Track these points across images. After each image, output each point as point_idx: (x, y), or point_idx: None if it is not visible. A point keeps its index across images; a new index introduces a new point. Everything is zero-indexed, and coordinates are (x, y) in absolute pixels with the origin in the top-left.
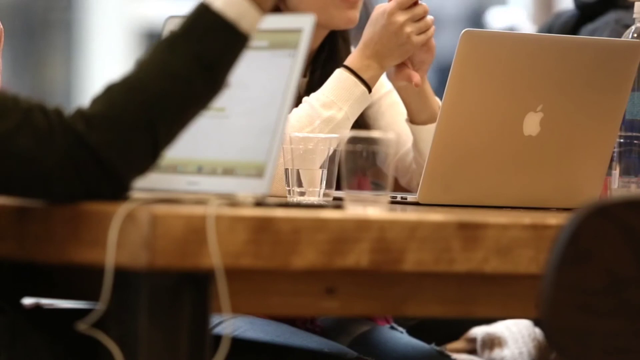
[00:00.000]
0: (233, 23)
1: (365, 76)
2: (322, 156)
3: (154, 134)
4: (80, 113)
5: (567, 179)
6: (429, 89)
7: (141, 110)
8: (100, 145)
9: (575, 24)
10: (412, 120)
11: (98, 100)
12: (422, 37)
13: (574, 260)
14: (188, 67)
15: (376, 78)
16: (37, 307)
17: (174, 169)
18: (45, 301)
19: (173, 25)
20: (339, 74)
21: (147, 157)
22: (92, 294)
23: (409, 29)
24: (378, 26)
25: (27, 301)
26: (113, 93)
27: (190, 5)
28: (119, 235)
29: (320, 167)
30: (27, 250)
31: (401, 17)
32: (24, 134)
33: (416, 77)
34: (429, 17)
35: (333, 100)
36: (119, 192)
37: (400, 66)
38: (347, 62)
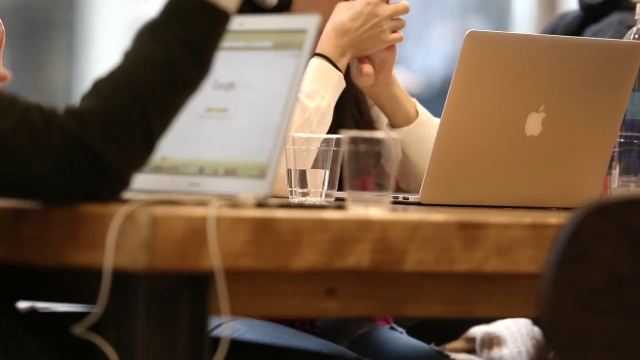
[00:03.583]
0: (212, 2)
1: (340, 64)
2: (324, 156)
3: (147, 124)
4: (70, 111)
5: (568, 178)
6: (399, 91)
7: (131, 102)
8: (95, 142)
9: (579, 25)
10: (390, 124)
11: (87, 97)
12: (395, 36)
13: (574, 259)
14: (173, 53)
15: (346, 64)
16: (33, 311)
17: (176, 170)
18: (41, 305)
19: None
20: (316, 63)
21: (143, 148)
22: (88, 297)
23: (386, 25)
24: (358, 14)
25: (23, 305)
26: (101, 88)
27: None
28: (118, 237)
29: (323, 168)
30: (23, 253)
31: (384, 11)
32: (21, 134)
33: (367, 67)
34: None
35: (315, 89)
36: (118, 188)
37: (359, 61)
38: (321, 50)
